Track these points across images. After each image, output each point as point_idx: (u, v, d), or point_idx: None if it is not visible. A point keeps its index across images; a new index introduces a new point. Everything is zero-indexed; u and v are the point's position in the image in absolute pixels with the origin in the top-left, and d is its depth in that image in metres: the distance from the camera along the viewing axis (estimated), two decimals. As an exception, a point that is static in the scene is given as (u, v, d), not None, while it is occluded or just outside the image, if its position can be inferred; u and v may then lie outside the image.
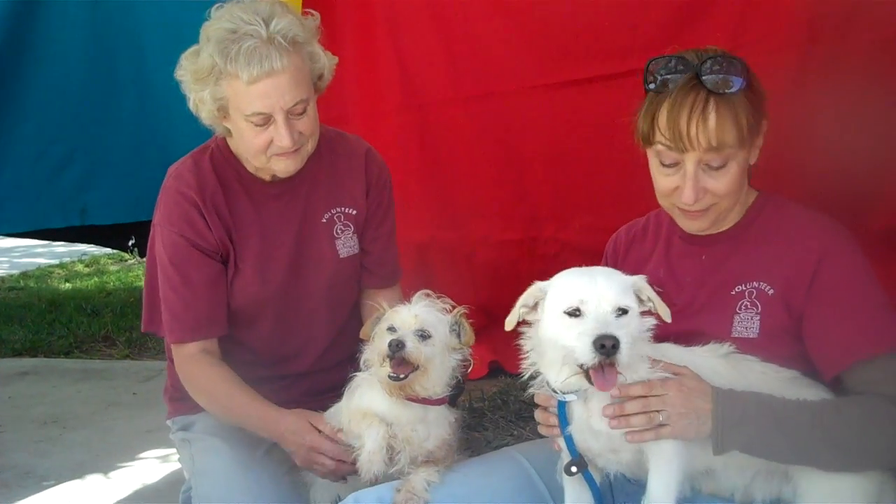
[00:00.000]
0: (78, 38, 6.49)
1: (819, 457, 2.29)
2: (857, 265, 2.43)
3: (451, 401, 2.78)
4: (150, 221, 3.15)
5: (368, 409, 2.73)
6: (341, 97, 4.80)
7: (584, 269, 2.33)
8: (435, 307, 2.74)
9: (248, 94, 2.81)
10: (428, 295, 2.76)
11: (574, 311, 2.16)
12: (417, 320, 2.67)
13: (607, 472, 2.40)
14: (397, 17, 4.96)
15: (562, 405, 2.32)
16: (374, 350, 2.71)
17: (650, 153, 2.49)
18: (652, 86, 2.44)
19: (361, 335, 2.83)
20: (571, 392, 2.29)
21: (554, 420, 2.38)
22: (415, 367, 2.63)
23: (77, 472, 4.24)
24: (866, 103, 4.07)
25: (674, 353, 2.38)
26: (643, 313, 2.26)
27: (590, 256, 2.52)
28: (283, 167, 2.96)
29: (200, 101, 2.92)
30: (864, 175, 4.20)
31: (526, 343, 2.42)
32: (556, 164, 4.90)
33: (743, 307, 2.48)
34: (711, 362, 2.38)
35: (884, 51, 3.83)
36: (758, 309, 2.46)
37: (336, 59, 3.07)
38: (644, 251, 2.77)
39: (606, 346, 2.07)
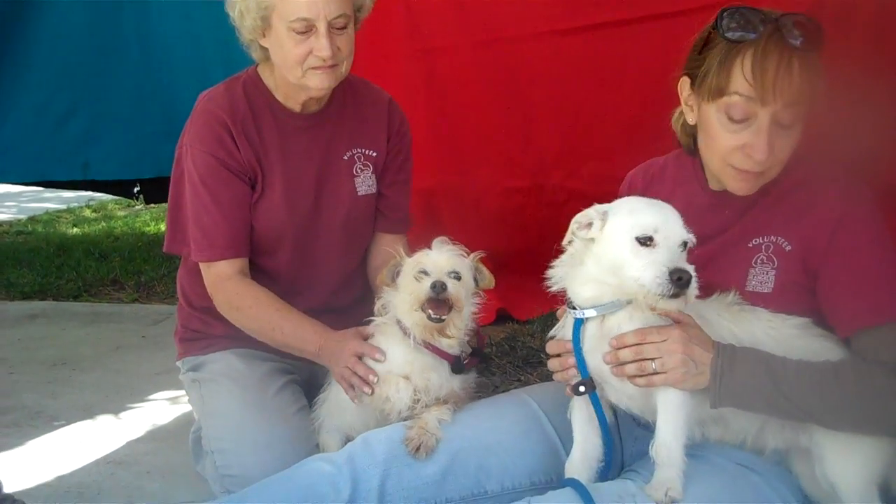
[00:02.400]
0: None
1: (818, 418, 2.32)
2: (875, 232, 2.41)
3: (458, 366, 2.79)
4: (151, 178, 3.18)
5: (384, 364, 2.77)
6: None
7: (649, 199, 2.34)
8: (456, 251, 2.78)
9: None
10: (446, 241, 2.80)
11: (647, 239, 2.17)
12: (450, 262, 2.72)
13: (616, 411, 2.43)
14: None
15: (577, 324, 2.33)
16: (409, 295, 2.71)
17: (714, 109, 2.38)
18: (733, 34, 2.33)
19: (379, 282, 2.88)
20: (590, 308, 2.31)
21: (571, 360, 2.38)
22: (450, 308, 2.67)
23: (87, 412, 4.26)
24: (880, 52, 4.06)
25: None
26: None
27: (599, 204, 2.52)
28: (318, 82, 2.98)
29: (246, 10, 2.97)
30: (879, 124, 4.19)
31: (557, 261, 2.39)
32: (563, 112, 4.91)
33: (759, 261, 2.48)
34: (716, 311, 2.40)
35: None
36: (774, 264, 2.47)
37: None
38: (662, 194, 2.70)
39: (683, 279, 2.09)
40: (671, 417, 2.27)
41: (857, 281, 2.38)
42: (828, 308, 2.43)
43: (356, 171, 3.26)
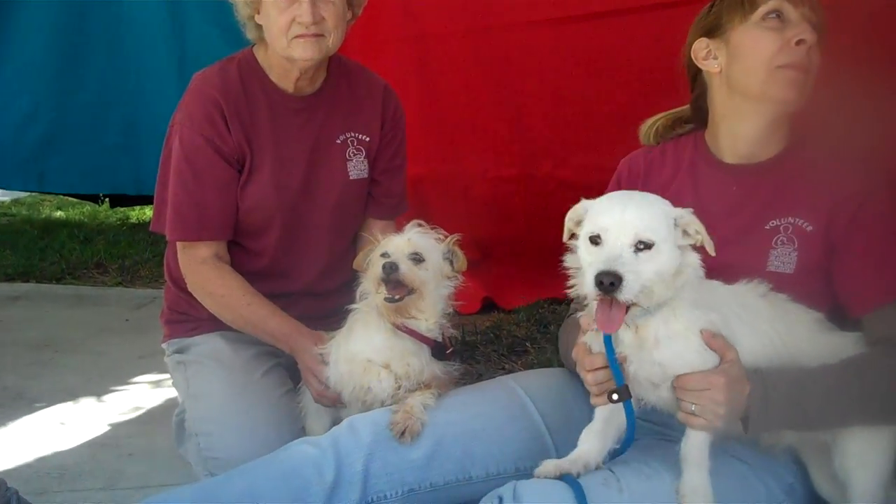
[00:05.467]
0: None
1: (848, 422, 2.32)
2: (894, 209, 2.47)
3: (438, 351, 2.80)
4: (107, 195, 3.18)
5: (363, 352, 2.79)
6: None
7: (629, 193, 2.30)
8: (428, 234, 2.79)
9: None
10: (420, 224, 2.80)
11: (595, 238, 2.13)
12: (410, 244, 2.72)
13: (641, 403, 2.36)
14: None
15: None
16: (370, 276, 2.76)
17: (750, 25, 2.51)
18: None
19: (355, 265, 2.89)
20: None
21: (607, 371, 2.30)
22: (410, 290, 2.68)
23: (69, 395, 4.23)
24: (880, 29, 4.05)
25: (722, 292, 2.34)
26: (693, 247, 2.21)
27: (589, 194, 2.50)
28: (301, 52, 2.97)
29: None
30: (884, 106, 4.18)
31: (568, 260, 2.31)
32: (554, 101, 4.90)
33: (780, 242, 2.49)
34: (758, 303, 2.37)
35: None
36: (795, 245, 2.48)
37: None
38: (664, 176, 2.75)
39: (605, 284, 2.02)
40: (699, 436, 2.23)
41: (879, 258, 2.41)
42: (845, 286, 2.46)
43: (349, 155, 3.25)
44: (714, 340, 2.20)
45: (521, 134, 5.04)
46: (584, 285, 2.11)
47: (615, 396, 2.25)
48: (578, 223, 2.25)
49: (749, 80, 2.53)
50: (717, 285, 2.34)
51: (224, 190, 3.08)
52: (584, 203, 2.26)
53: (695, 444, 2.21)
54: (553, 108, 4.91)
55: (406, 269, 2.66)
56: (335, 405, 2.92)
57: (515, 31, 4.80)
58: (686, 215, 2.19)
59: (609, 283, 2.02)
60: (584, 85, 4.76)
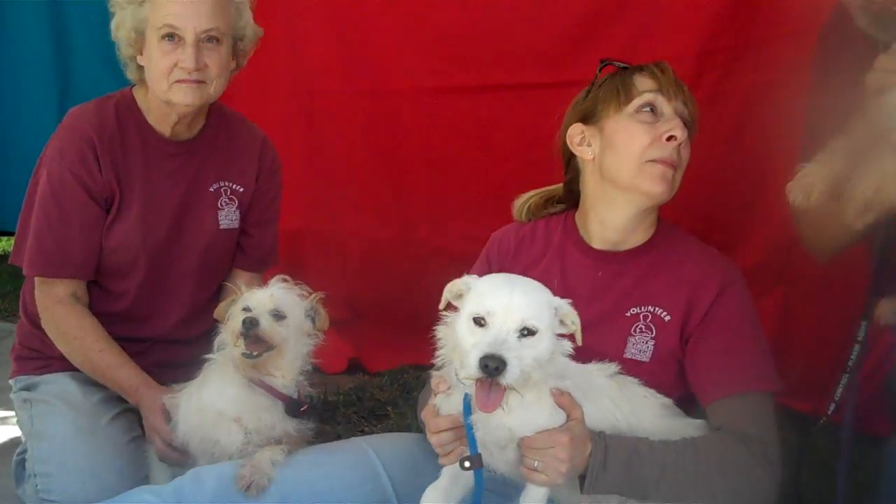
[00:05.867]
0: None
1: (683, 497, 2.34)
2: (749, 304, 2.57)
3: (292, 409, 2.78)
4: None
5: (215, 404, 2.76)
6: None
7: (512, 277, 2.28)
8: (291, 291, 2.77)
9: (166, 5, 2.88)
10: (285, 280, 2.79)
11: (480, 319, 2.11)
12: (272, 300, 2.70)
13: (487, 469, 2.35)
14: (295, 2, 4.95)
15: (467, 398, 2.24)
16: (229, 329, 2.73)
17: (625, 116, 2.59)
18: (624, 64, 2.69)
19: (215, 315, 2.85)
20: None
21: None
22: (269, 347, 2.66)
23: None
24: (741, 145, 4.25)
25: (573, 369, 2.36)
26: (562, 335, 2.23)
27: (463, 264, 2.53)
28: (182, 97, 2.96)
29: (122, 21, 2.99)
30: (736, 211, 4.39)
31: (440, 331, 2.30)
32: (435, 168, 4.94)
33: (638, 330, 2.55)
34: (605, 383, 2.42)
35: (763, 94, 3.99)
36: (652, 333, 2.54)
37: (261, 32, 3.18)
38: (533, 254, 2.79)
39: (489, 367, 2.01)
40: (538, 491, 2.27)
41: (726, 352, 2.48)
42: (696, 374, 2.52)
43: (221, 205, 3.23)
44: (562, 398, 2.23)
45: (399, 197, 5.06)
46: (466, 366, 2.08)
47: (467, 464, 2.25)
48: (459, 296, 2.24)
49: (620, 171, 2.59)
50: (568, 362, 2.35)
51: (89, 229, 3.03)
52: (467, 279, 2.24)
53: (534, 498, 2.25)
54: (434, 174, 4.94)
55: (266, 325, 2.64)
56: (180, 464, 2.85)
57: (401, 97, 4.84)
58: (565, 306, 2.21)
59: (494, 367, 2.01)
60: (465, 155, 4.81)
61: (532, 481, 2.24)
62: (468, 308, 2.16)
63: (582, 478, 2.30)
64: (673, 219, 2.78)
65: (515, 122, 4.61)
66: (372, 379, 5.03)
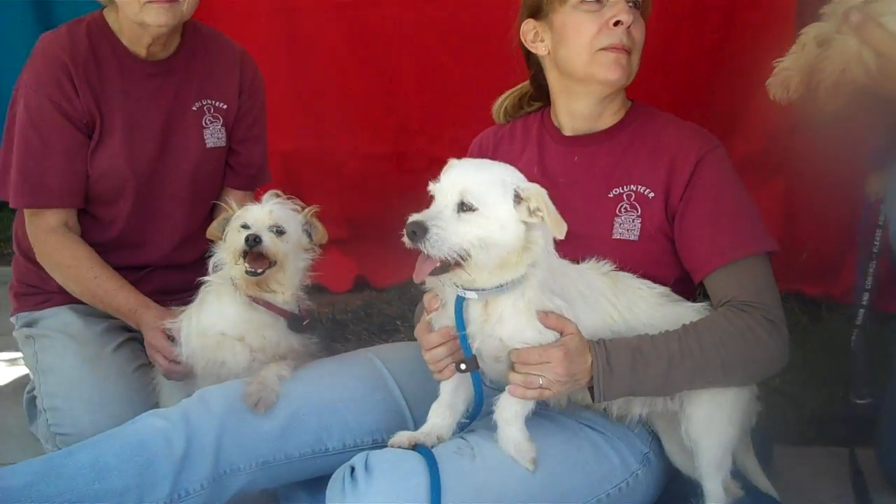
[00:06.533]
0: None
1: (693, 384, 2.37)
2: (731, 172, 2.55)
3: (295, 324, 2.77)
4: None
5: (217, 325, 2.73)
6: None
7: (478, 160, 2.33)
8: (287, 205, 2.75)
9: None
10: (278, 195, 2.76)
11: (432, 195, 2.15)
12: (272, 216, 2.68)
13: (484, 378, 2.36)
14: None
15: (459, 303, 2.25)
16: (228, 248, 2.70)
17: (569, 8, 2.55)
18: None
19: (208, 234, 2.83)
20: (472, 290, 2.22)
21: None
22: (271, 263, 2.64)
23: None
24: (735, 32, 4.19)
25: (570, 271, 2.36)
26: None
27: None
28: (155, 17, 2.89)
29: None
30: (734, 100, 4.34)
31: None
32: (426, 77, 4.87)
33: (623, 209, 2.55)
34: (599, 283, 2.40)
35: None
36: (638, 212, 2.54)
37: None
38: (513, 152, 2.79)
39: (408, 233, 2.05)
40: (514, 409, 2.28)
41: (714, 221, 2.47)
42: (687, 249, 2.51)
43: (205, 123, 3.19)
44: (548, 319, 2.22)
45: (392, 110, 4.98)
46: None
47: (463, 367, 2.26)
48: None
49: (573, 63, 2.59)
50: (566, 265, 2.36)
51: (72, 155, 2.98)
52: (451, 160, 2.28)
53: (510, 407, 2.25)
54: (425, 84, 4.87)
55: (269, 241, 2.62)
56: (185, 378, 2.85)
57: (383, 7, 4.74)
58: (529, 188, 2.16)
59: (412, 231, 2.05)
60: (452, 61, 4.74)
61: (524, 398, 2.24)
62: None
63: (591, 389, 2.31)
64: (670, 109, 2.75)
65: (492, 24, 4.50)
66: (380, 295, 5.02)
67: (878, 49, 2.33)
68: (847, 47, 2.37)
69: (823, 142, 3.31)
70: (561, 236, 2.15)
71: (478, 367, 2.27)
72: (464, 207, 2.10)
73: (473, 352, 2.25)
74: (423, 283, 2.19)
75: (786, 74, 2.43)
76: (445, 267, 2.11)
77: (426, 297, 2.36)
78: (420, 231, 2.04)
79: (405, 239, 2.07)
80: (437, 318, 2.34)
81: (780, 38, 2.74)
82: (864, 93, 2.45)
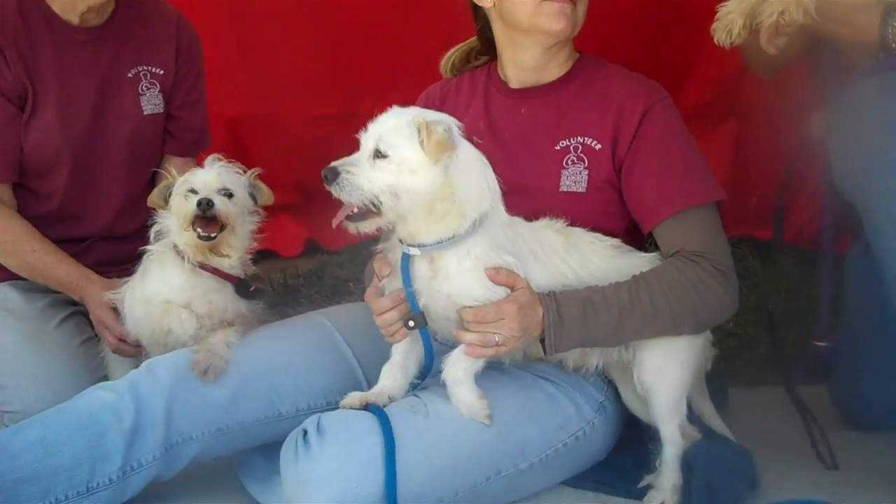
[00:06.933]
0: None
1: (644, 333, 2.38)
2: (678, 123, 2.56)
3: (242, 289, 2.73)
4: None
5: (161, 293, 2.69)
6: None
7: (405, 108, 2.32)
8: (231, 168, 2.71)
9: None
10: (220, 159, 2.72)
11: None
12: (220, 179, 2.64)
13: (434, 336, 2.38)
14: None
15: (405, 260, 2.26)
16: (177, 214, 2.65)
17: None
18: None
19: (149, 202, 2.77)
20: (415, 246, 2.23)
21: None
22: (222, 227, 2.61)
23: None
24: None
25: (524, 230, 2.37)
26: None
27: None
28: None
29: None
30: (682, 48, 4.33)
31: None
32: (372, 37, 4.79)
33: (570, 162, 2.55)
34: (552, 240, 2.40)
35: None
36: (585, 164, 2.53)
37: None
38: (460, 105, 2.78)
39: (322, 176, 2.16)
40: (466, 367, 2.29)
41: (660, 172, 2.48)
42: (635, 201, 2.51)
43: (142, 90, 3.12)
44: (497, 276, 2.23)
45: (340, 70, 4.90)
46: None
47: (411, 324, 2.28)
48: None
49: (518, 15, 2.57)
50: (519, 223, 2.37)
51: (4, 128, 2.90)
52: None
53: (459, 365, 2.26)
54: (371, 43, 4.80)
55: (220, 204, 2.59)
56: (135, 356, 2.81)
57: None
58: (425, 118, 2.16)
59: (325, 175, 2.13)
60: (400, 20, 4.69)
61: (477, 356, 2.25)
62: None
63: (542, 342, 2.32)
64: (619, 61, 2.75)
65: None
66: (331, 258, 4.98)
67: None
68: None
69: (769, 85, 3.31)
70: (435, 164, 2.13)
71: (426, 323, 2.28)
72: (378, 154, 2.13)
73: (421, 308, 2.25)
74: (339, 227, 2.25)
75: (729, 19, 2.42)
76: (363, 214, 2.15)
77: (376, 264, 2.37)
78: (332, 176, 2.11)
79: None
80: (389, 282, 2.34)
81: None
82: (804, 34, 2.48)
